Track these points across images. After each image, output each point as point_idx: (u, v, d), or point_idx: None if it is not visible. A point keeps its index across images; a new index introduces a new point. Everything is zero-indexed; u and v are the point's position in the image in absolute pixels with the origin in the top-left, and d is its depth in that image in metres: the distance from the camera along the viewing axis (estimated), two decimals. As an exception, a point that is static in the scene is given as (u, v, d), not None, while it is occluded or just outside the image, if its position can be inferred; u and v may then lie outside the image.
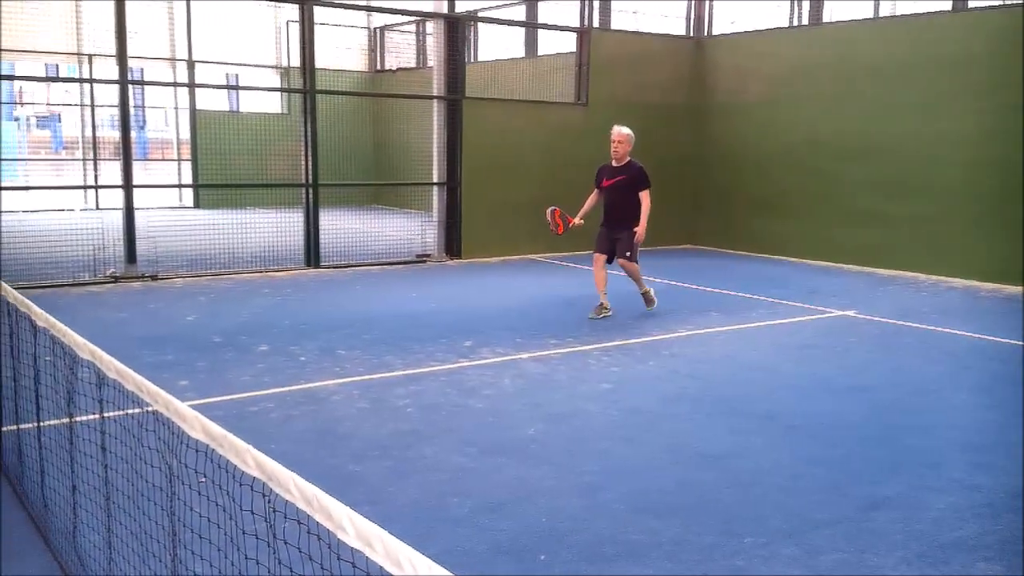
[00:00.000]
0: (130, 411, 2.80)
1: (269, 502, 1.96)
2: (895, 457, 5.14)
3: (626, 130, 8.92)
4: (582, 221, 9.07)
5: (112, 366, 2.86)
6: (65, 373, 3.32)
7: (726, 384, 6.70)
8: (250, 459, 2.04)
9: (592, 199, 9.17)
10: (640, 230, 8.78)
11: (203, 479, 2.26)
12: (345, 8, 16.38)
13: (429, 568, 1.48)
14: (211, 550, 2.50)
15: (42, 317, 3.54)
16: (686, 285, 11.09)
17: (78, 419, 3.32)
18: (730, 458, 5.11)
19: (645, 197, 8.81)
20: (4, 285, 4.22)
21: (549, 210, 9.16)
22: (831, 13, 13.91)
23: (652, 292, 9.25)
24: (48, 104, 33.09)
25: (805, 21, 13.94)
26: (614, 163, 8.94)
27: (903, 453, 5.22)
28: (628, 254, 8.84)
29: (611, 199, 8.94)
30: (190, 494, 2.49)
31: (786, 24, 14.21)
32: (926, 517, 4.27)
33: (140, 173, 21.35)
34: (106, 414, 3.05)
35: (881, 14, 12.91)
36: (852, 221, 12.75)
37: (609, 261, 8.99)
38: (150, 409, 2.58)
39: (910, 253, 12.10)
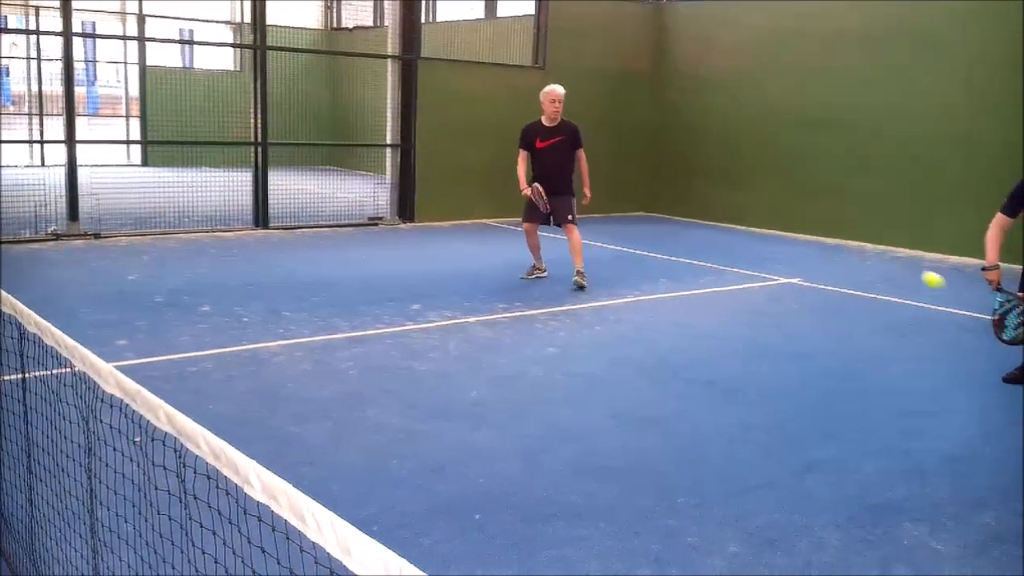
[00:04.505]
0: (54, 371, 2.74)
1: (180, 457, 1.93)
2: (830, 423, 5.24)
3: (563, 89, 8.57)
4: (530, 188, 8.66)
5: (32, 320, 2.79)
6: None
7: (670, 350, 6.76)
8: (162, 414, 2.01)
9: (525, 162, 8.74)
10: (587, 191, 8.70)
11: (138, 440, 2.22)
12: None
13: (331, 521, 1.47)
14: (127, 506, 2.46)
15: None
16: (638, 252, 11.14)
17: (5, 378, 3.24)
18: (671, 423, 5.17)
19: (582, 157, 8.64)
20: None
21: (533, 187, 8.49)
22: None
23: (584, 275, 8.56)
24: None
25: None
26: (546, 122, 8.60)
27: (838, 419, 5.32)
28: (571, 217, 8.53)
29: (548, 161, 8.54)
30: (107, 450, 2.45)
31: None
32: (856, 480, 4.36)
33: (88, 130, 20.85)
34: (30, 372, 2.98)
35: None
36: (808, 193, 12.82)
37: (543, 223, 8.74)
38: (73, 368, 2.52)
39: (862, 225, 12.21)
